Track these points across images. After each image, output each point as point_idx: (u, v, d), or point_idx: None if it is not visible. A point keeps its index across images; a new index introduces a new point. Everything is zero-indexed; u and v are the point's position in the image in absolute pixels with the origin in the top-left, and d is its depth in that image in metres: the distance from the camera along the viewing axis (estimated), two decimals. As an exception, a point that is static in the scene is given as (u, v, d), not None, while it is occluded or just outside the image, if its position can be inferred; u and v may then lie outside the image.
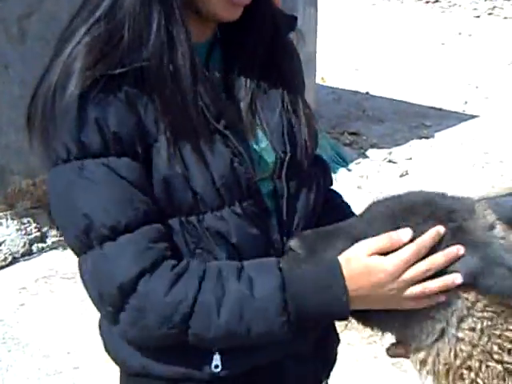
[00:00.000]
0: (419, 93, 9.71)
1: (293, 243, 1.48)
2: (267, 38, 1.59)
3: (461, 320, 1.39)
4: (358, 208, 1.66)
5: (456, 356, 1.39)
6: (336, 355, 1.80)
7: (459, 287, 1.37)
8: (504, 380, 1.37)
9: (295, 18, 1.68)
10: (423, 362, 1.44)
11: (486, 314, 1.38)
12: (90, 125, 1.37)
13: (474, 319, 1.38)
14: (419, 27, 13.73)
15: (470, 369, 1.39)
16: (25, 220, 5.55)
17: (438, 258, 1.36)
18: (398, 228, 1.40)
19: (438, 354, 1.41)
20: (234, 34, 1.57)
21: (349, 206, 1.81)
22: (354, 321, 1.52)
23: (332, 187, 1.82)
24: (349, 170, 6.93)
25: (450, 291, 1.38)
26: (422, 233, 1.39)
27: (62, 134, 1.38)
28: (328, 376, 1.78)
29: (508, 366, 1.38)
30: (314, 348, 1.65)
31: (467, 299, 1.39)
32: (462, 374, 1.40)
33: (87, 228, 1.37)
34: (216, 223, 1.45)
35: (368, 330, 1.54)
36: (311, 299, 1.38)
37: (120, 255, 1.37)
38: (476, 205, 1.46)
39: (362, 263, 1.38)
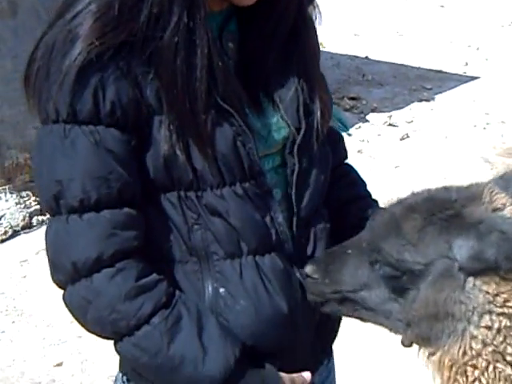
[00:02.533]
0: (419, 56, 9.61)
1: (308, 269, 1.49)
2: (293, 12, 1.51)
3: (480, 317, 1.34)
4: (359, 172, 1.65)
5: (464, 353, 1.35)
6: (336, 335, 1.76)
7: (478, 277, 1.32)
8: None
9: None
10: (431, 354, 1.41)
11: (506, 309, 1.33)
12: (86, 92, 1.34)
13: (493, 317, 1.33)
14: (418, -10, 13.58)
15: (475, 367, 1.35)
16: (23, 194, 5.54)
17: None
18: (400, 229, 1.38)
19: (447, 350, 1.37)
20: (257, 7, 1.48)
21: (364, 184, 1.78)
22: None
23: (347, 161, 1.79)
24: (349, 135, 6.88)
25: (471, 284, 1.33)
26: (423, 227, 1.37)
27: (56, 96, 1.35)
28: (328, 355, 1.76)
29: None
30: (314, 333, 1.62)
31: (488, 293, 1.33)
32: (465, 371, 1.36)
33: (58, 194, 1.37)
34: (215, 201, 1.42)
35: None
36: None
37: (81, 233, 1.37)
38: (485, 189, 1.42)
39: None
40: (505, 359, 1.33)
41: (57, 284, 1.44)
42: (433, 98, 8.13)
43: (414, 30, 10.91)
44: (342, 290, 1.48)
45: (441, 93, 8.26)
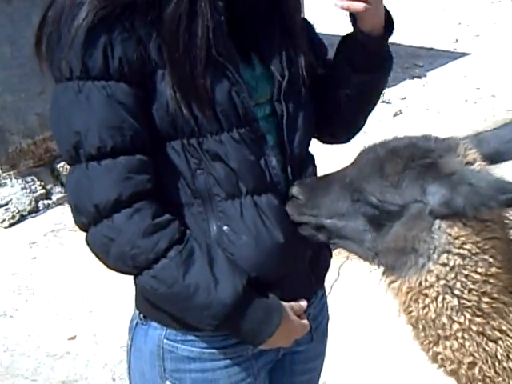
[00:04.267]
0: (410, 34, 9.75)
1: (294, 190, 1.65)
2: None
3: (439, 255, 1.50)
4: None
5: (420, 284, 1.51)
6: (327, 269, 1.94)
7: (443, 221, 1.49)
8: (457, 312, 1.50)
9: None
10: (392, 282, 1.58)
11: (461, 251, 1.49)
12: (96, 50, 1.48)
13: (450, 256, 1.49)
14: (408, -30, 13.66)
15: (426, 296, 1.52)
16: (29, 179, 5.68)
17: None
18: (383, 171, 1.54)
19: (406, 279, 1.54)
20: None
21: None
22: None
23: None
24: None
25: (437, 226, 1.50)
26: (403, 171, 1.53)
27: (69, 55, 1.49)
28: (321, 286, 1.93)
29: (465, 301, 1.50)
30: (309, 264, 1.79)
31: (450, 235, 1.49)
32: (418, 299, 1.53)
33: (77, 144, 1.50)
34: (215, 146, 1.57)
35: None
36: (244, 327, 1.61)
37: (101, 178, 1.50)
38: (460, 144, 1.58)
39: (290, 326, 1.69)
40: (453, 292, 1.50)
41: (80, 227, 1.57)
42: (425, 75, 8.28)
43: (404, 8, 11.03)
44: (320, 215, 1.63)
45: (432, 69, 8.41)
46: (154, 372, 1.73)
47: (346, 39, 1.80)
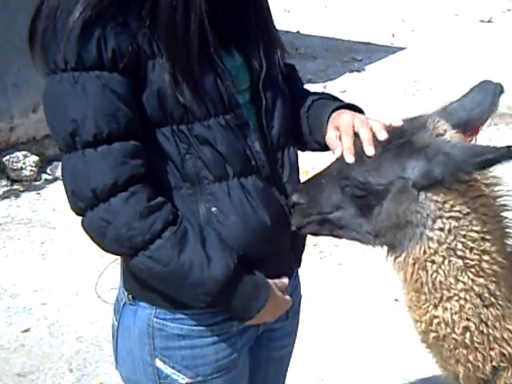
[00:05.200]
0: (348, 29, 9.96)
1: (295, 197, 1.76)
2: None
3: (433, 221, 1.61)
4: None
5: (424, 252, 1.63)
6: (304, 248, 2.03)
7: (428, 192, 1.61)
8: (462, 272, 1.62)
9: None
10: (397, 257, 1.69)
11: (453, 213, 1.61)
12: (91, 43, 1.54)
13: (444, 220, 1.61)
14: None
15: (433, 262, 1.63)
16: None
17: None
18: (363, 157, 1.63)
19: (410, 251, 1.65)
20: None
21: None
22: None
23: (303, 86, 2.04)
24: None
25: (423, 196, 1.61)
26: (382, 153, 1.63)
27: (64, 48, 1.54)
28: (299, 265, 2.02)
29: (468, 261, 1.62)
30: (291, 242, 1.87)
31: (437, 201, 1.60)
32: (425, 266, 1.64)
33: (74, 132, 1.56)
34: (204, 131, 1.65)
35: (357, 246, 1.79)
36: (235, 303, 1.69)
37: (97, 163, 1.57)
38: (429, 119, 1.69)
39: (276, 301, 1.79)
40: (456, 254, 1.62)
41: (77, 211, 1.62)
42: (363, 69, 8.49)
43: (341, 3, 11.25)
44: (323, 212, 1.73)
45: (370, 63, 8.63)
46: (144, 350, 1.78)
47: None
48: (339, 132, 1.73)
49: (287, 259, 1.89)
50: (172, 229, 1.60)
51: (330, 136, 1.76)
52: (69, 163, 1.60)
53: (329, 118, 1.81)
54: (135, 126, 1.60)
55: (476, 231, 1.62)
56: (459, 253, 1.62)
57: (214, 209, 1.68)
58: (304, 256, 2.00)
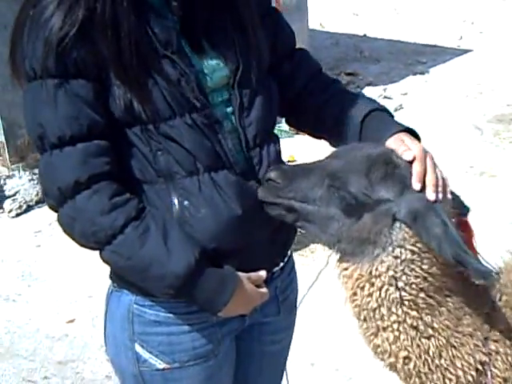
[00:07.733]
0: (415, 31, 9.84)
1: (273, 174, 1.77)
2: None
3: (393, 248, 1.64)
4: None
5: (370, 272, 1.65)
6: (289, 244, 2.05)
7: (404, 224, 1.63)
8: (397, 304, 1.64)
9: None
10: (345, 269, 1.71)
11: (414, 248, 1.63)
12: (55, 54, 1.64)
13: (403, 250, 1.64)
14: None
15: (372, 284, 1.66)
16: (36, 171, 5.84)
17: None
18: (369, 171, 1.66)
19: (359, 266, 1.68)
20: None
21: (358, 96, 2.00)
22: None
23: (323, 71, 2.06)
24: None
25: (398, 225, 1.64)
26: (386, 176, 1.66)
27: (33, 59, 1.66)
28: (283, 259, 2.04)
29: (405, 294, 1.64)
30: (270, 235, 1.90)
31: (407, 233, 1.64)
32: (364, 286, 1.67)
33: (42, 135, 1.68)
34: (169, 130, 1.72)
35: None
36: (198, 296, 1.75)
37: (62, 163, 1.68)
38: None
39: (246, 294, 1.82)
40: (396, 285, 1.65)
41: (51, 208, 1.75)
42: (427, 71, 8.37)
43: (410, 7, 11.12)
44: (294, 198, 1.74)
45: (435, 66, 8.50)
46: (124, 335, 1.89)
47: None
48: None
49: (266, 252, 1.92)
50: (134, 224, 1.69)
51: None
52: (41, 164, 1.73)
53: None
54: (101, 127, 1.69)
55: (423, 269, 1.65)
56: (400, 284, 1.65)
57: (186, 202, 1.75)
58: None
